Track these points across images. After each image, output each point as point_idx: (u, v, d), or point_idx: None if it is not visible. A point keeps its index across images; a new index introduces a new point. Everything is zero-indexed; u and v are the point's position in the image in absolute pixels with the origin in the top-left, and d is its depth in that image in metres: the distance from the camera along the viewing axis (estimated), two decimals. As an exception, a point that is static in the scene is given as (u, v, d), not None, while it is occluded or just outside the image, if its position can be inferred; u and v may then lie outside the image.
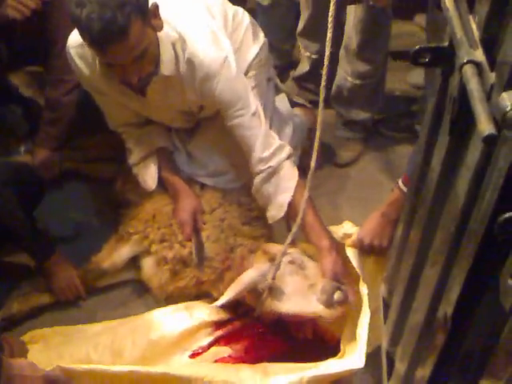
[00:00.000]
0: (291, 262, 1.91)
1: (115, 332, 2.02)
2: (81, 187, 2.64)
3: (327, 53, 1.44)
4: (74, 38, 1.92)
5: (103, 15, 1.60)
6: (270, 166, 1.99)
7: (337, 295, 1.79)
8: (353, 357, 1.72)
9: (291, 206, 1.99)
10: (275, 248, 1.98)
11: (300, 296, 1.86)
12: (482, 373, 1.04)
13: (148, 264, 2.19)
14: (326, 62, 1.45)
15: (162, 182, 2.22)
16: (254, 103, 1.99)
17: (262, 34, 2.28)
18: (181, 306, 2.08)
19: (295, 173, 2.03)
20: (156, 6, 1.78)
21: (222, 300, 1.90)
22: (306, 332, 1.99)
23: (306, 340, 2.00)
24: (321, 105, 1.53)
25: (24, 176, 2.18)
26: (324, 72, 1.47)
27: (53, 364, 1.83)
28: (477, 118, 0.84)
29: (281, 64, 3.02)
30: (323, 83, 1.47)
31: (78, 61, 1.98)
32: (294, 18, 2.90)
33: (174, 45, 1.88)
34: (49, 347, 2.01)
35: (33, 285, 2.22)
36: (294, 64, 3.05)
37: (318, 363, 1.77)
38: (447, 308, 1.02)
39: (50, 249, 2.17)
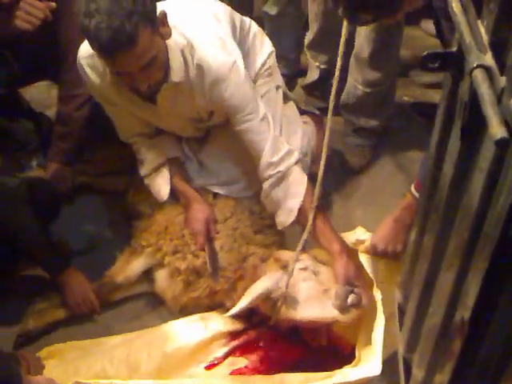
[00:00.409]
0: (304, 269, 1.90)
1: (130, 345, 2.02)
2: (93, 200, 2.66)
3: (338, 64, 1.45)
4: (85, 48, 1.95)
5: (111, 24, 1.63)
6: (279, 171, 2.00)
7: (350, 299, 1.79)
8: (369, 364, 1.72)
9: (301, 211, 1.99)
10: (287, 255, 1.98)
11: (315, 302, 1.86)
12: (501, 378, 1.03)
13: (161, 276, 2.20)
14: (336, 73, 1.46)
15: (173, 193, 2.22)
16: (263, 108, 1.99)
17: (269, 43, 2.30)
18: (195, 317, 2.09)
19: (304, 178, 2.03)
20: (164, 14, 1.79)
21: (236, 309, 1.91)
22: (320, 339, 1.99)
23: (321, 348, 2.00)
24: (329, 113, 1.53)
25: (40, 191, 2.20)
26: (335, 82, 1.48)
27: (70, 379, 1.85)
28: (488, 121, 0.84)
29: (288, 73, 3.03)
30: (333, 91, 1.48)
31: (88, 71, 2.00)
32: (301, 27, 2.91)
33: (182, 51, 1.89)
34: (65, 362, 2.01)
35: (48, 300, 2.22)
36: (302, 72, 3.06)
37: (334, 371, 1.76)
38: (464, 312, 1.01)
39: (65, 262, 2.18)
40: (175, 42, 1.87)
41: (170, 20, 1.83)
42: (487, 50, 0.94)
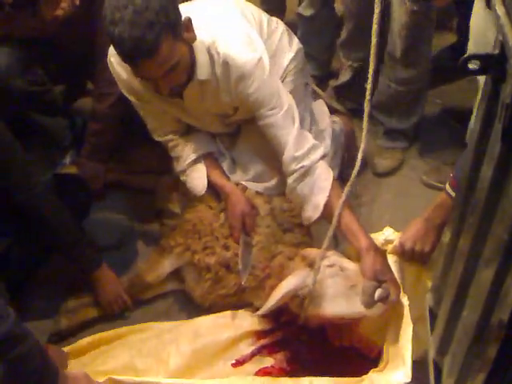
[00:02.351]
0: (331, 265, 1.90)
1: (160, 338, 2.04)
2: (123, 198, 2.70)
3: (371, 65, 1.45)
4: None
5: (133, 34, 1.68)
6: (304, 166, 1.99)
7: (377, 294, 1.78)
8: (398, 370, 1.70)
9: (327, 207, 1.98)
10: (313, 252, 1.97)
11: (342, 298, 1.85)
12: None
13: (190, 275, 2.22)
14: (370, 71, 1.46)
15: (208, 187, 2.22)
16: (287, 102, 1.99)
17: (296, 41, 2.31)
18: (224, 314, 2.10)
19: (330, 173, 2.02)
20: (188, 20, 1.82)
21: (265, 309, 1.91)
22: (343, 339, 2.00)
23: (347, 350, 2.00)
24: (366, 117, 1.53)
25: (72, 188, 2.23)
26: (369, 81, 1.48)
27: (98, 368, 1.90)
28: (533, 124, 0.84)
29: (319, 74, 3.04)
30: (367, 96, 1.48)
31: (118, 68, 2.04)
32: (333, 29, 2.91)
33: (208, 49, 1.92)
34: (94, 352, 2.05)
35: (79, 299, 2.27)
36: (333, 74, 3.06)
37: (363, 377, 1.75)
38: (502, 315, 1.00)
39: (98, 260, 2.21)
40: (201, 40, 1.90)
41: (197, 19, 1.86)
42: (532, 53, 0.94)
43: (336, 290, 1.86)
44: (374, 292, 1.78)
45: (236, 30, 1.98)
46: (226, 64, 1.92)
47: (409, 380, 1.67)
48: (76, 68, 2.55)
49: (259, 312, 1.94)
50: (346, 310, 1.85)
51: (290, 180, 2.03)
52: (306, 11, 2.88)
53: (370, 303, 1.79)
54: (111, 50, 2.02)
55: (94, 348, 2.08)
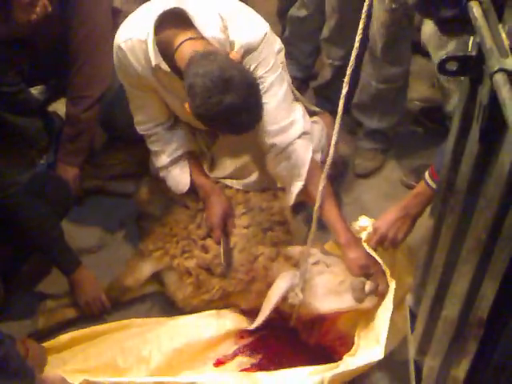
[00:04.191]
0: (316, 263, 1.91)
1: (141, 336, 2.03)
2: (102, 202, 2.67)
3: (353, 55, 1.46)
4: (124, 35, 1.94)
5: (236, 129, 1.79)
6: (278, 144, 1.96)
7: (367, 288, 1.81)
8: (370, 350, 1.74)
9: (307, 192, 1.97)
10: (296, 251, 1.98)
11: (333, 294, 1.88)
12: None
13: (171, 279, 2.19)
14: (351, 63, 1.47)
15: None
16: (279, 69, 1.98)
17: (279, 40, 2.30)
18: (207, 313, 2.09)
19: (307, 156, 1.98)
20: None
21: (259, 321, 1.92)
22: (311, 336, 2.03)
23: (327, 352, 2.01)
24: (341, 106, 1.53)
25: (52, 187, 2.21)
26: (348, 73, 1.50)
27: (78, 365, 1.89)
28: (509, 124, 0.85)
29: (301, 76, 3.04)
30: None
31: (130, 56, 1.95)
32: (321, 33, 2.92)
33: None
34: (75, 349, 2.03)
35: (58, 300, 2.24)
36: (313, 76, 3.07)
37: (338, 362, 1.79)
38: (481, 312, 1.02)
39: (77, 261, 2.19)
40: (218, 40, 1.88)
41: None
42: (508, 54, 0.95)
43: (325, 287, 1.88)
44: (363, 287, 1.80)
45: (241, 9, 1.98)
46: (232, 43, 1.89)
47: (382, 357, 1.71)
48: (53, 69, 2.51)
49: (254, 325, 1.94)
50: (338, 306, 1.87)
51: (268, 158, 2.02)
52: (300, 12, 2.90)
53: (361, 298, 1.81)
54: (121, 37, 1.95)
55: (74, 345, 2.06)
